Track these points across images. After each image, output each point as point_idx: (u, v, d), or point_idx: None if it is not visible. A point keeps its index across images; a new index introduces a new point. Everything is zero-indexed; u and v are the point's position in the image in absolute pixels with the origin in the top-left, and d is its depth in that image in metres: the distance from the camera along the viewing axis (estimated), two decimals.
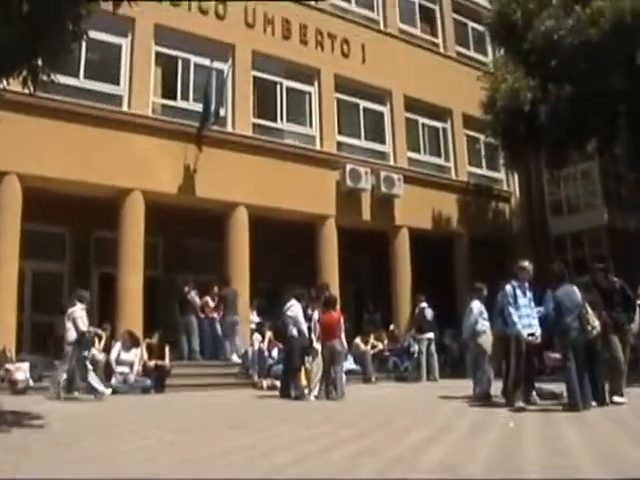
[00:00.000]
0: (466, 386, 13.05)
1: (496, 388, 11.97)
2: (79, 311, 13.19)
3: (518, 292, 10.88)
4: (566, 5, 18.03)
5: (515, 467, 6.05)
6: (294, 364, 13.57)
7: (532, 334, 10.73)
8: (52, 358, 14.59)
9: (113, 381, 14.62)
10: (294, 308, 13.62)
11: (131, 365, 15.11)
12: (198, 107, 18.37)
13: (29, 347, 16.53)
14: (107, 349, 15.42)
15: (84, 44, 10.62)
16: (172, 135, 18.03)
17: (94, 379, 13.34)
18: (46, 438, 7.97)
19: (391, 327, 21.14)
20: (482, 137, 24.01)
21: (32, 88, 8.57)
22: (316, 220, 20.73)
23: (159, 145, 17.83)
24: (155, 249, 19.25)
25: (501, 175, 26.54)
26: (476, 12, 25.52)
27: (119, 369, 14.93)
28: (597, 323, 10.74)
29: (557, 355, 12.10)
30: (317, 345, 13.47)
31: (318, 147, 21.36)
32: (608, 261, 15.19)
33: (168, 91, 19.09)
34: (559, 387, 11.23)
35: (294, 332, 13.47)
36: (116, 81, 18.05)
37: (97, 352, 14.90)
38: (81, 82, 17.27)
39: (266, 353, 16.79)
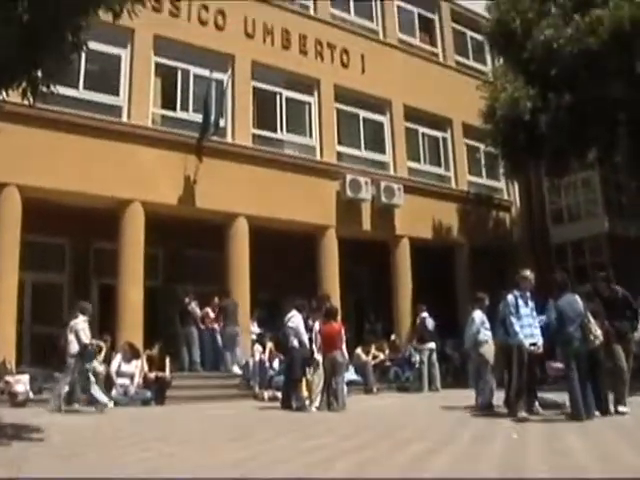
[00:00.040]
0: (468, 396, 12.99)
1: (498, 398, 11.92)
2: (81, 323, 13.13)
3: (520, 302, 10.85)
4: (565, 14, 18.05)
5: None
6: (295, 375, 13.51)
7: (534, 344, 10.70)
8: (53, 370, 14.53)
9: (113, 393, 14.55)
10: (295, 319, 13.57)
11: (131, 377, 15.05)
12: (198, 118, 18.38)
13: (29, 359, 16.49)
14: (107, 361, 15.37)
15: (84, 55, 10.58)
16: (172, 146, 18.02)
17: (97, 391, 13.32)
18: (46, 451, 7.93)
19: (392, 337, 21.08)
20: (482, 146, 23.99)
21: (32, 99, 8.56)
22: (316, 230, 20.70)
23: (159, 156, 17.82)
24: (155, 260, 19.23)
25: (501, 184, 26.51)
26: (475, 21, 25.50)
27: (119, 381, 14.87)
28: (599, 332, 10.70)
29: (559, 365, 12.09)
30: (318, 356, 13.42)
31: (318, 157, 21.35)
32: (608, 269, 15.11)
33: (168, 102, 19.10)
34: (561, 396, 11.18)
35: (295, 343, 13.41)
36: (116, 92, 18.05)
37: (97, 364, 14.82)
38: (81, 93, 17.27)
39: (267, 364, 16.72)
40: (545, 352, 11.15)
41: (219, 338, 18.10)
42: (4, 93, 8.79)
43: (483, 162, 25.58)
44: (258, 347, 17.21)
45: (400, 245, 22.41)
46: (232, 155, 19.06)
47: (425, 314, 18.70)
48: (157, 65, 18.80)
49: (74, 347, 12.98)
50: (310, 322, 13.81)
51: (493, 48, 22.26)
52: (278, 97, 21.01)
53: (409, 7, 25.34)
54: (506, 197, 26.72)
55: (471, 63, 26.77)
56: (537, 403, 11.33)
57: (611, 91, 17.12)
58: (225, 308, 18.04)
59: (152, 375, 15.13)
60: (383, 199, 21.39)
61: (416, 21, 25.60)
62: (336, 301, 17.62)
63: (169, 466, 6.86)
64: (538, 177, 26.07)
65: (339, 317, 14.37)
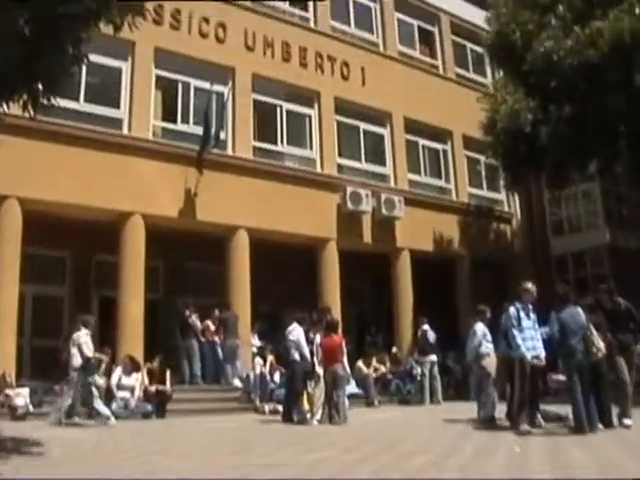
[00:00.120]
0: (470, 409, 12.92)
1: (500, 411, 11.85)
2: (84, 336, 13.09)
3: (522, 314, 10.80)
4: (565, 26, 18.06)
5: None
6: (296, 388, 13.45)
7: (536, 356, 10.65)
8: (53, 383, 14.49)
9: (114, 406, 14.43)
10: (296, 332, 13.52)
11: (132, 390, 14.96)
12: (198, 130, 18.38)
13: (29, 372, 16.43)
14: (108, 373, 15.31)
15: (84, 68, 10.62)
16: (172, 158, 18.03)
17: (100, 404, 13.28)
18: (46, 465, 7.87)
19: (393, 350, 21.01)
20: (482, 158, 24.06)
21: (32, 112, 8.55)
22: (317, 243, 20.67)
23: (159, 168, 17.82)
24: (156, 272, 19.19)
25: (502, 196, 26.51)
26: (475, 34, 25.54)
27: (120, 394, 14.78)
28: (602, 345, 10.66)
29: (561, 377, 12.04)
30: (319, 369, 13.37)
31: (318, 170, 21.35)
32: (609, 281, 15.10)
33: (168, 114, 19.13)
34: (564, 409, 11.13)
35: (296, 356, 13.35)
36: (116, 104, 18.08)
37: (98, 377, 14.76)
38: (81, 106, 17.30)
39: (268, 377, 16.66)
40: (547, 364, 11.10)
41: (220, 351, 18.04)
42: (5, 106, 8.80)
43: (484, 174, 25.64)
44: (259, 360, 17.17)
45: (401, 257, 22.38)
46: (232, 168, 19.06)
47: (426, 326, 18.64)
48: (158, 78, 18.83)
49: (77, 360, 12.93)
50: (311, 335, 13.75)
51: (493, 60, 22.28)
52: (278, 109, 21.03)
53: (409, 19, 25.42)
54: (507, 209, 26.71)
55: (471, 75, 26.82)
56: (539, 416, 11.28)
57: (611, 103, 17.12)
58: (226, 321, 18.00)
59: (153, 388, 15.05)
60: (384, 211, 21.38)
61: (416, 33, 25.67)
62: (337, 314, 17.59)
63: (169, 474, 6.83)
64: (539, 189, 26.08)
65: (340, 330, 14.32)
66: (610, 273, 23.20)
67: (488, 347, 12.36)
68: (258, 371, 16.72)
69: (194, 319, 17.91)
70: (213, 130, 18.09)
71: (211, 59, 19.48)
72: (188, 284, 19.43)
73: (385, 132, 23.47)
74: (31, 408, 13.81)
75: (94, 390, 13.26)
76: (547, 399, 13.04)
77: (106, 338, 16.76)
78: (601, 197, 25.64)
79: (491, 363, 12.35)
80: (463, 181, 25.17)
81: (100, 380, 14.76)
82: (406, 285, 22.18)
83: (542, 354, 10.72)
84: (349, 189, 20.80)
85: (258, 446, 9.67)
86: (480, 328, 12.52)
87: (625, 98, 17.02)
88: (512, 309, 10.93)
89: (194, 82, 19.33)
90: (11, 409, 13.55)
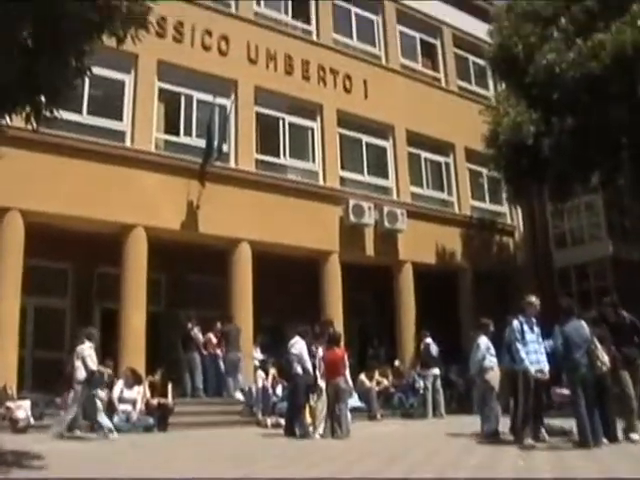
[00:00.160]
0: (473, 423, 12.85)
1: (504, 425, 11.80)
2: (88, 349, 13.06)
3: (525, 327, 10.75)
4: (567, 38, 18.08)
5: None
6: (299, 402, 13.39)
7: (540, 370, 10.59)
8: (55, 396, 14.44)
9: (115, 419, 14.36)
10: (298, 345, 13.46)
11: (133, 403, 14.88)
12: (201, 143, 18.41)
13: (30, 384, 16.35)
14: (109, 386, 15.24)
15: (87, 80, 10.58)
16: (175, 171, 18.02)
17: (104, 417, 13.24)
18: (46, 478, 7.82)
19: (396, 363, 20.93)
20: (485, 171, 24.07)
21: (35, 124, 8.56)
22: (319, 256, 20.64)
23: (162, 181, 17.81)
24: (158, 285, 19.16)
25: (504, 209, 26.51)
26: (477, 46, 25.57)
27: (121, 407, 14.70)
28: (606, 358, 10.62)
29: (565, 391, 11.96)
30: (322, 383, 13.32)
31: (321, 182, 21.35)
32: (612, 293, 15.08)
33: (171, 127, 19.14)
34: (568, 423, 11.07)
35: (298, 370, 13.30)
36: (119, 117, 18.11)
37: (100, 390, 14.71)
38: (84, 118, 17.31)
39: (270, 390, 16.59)
40: (551, 378, 11.05)
41: (222, 364, 17.98)
42: (7, 118, 8.80)
43: (486, 187, 25.66)
44: (261, 373, 17.07)
45: (403, 270, 22.34)
46: (235, 180, 19.06)
47: (429, 340, 18.59)
48: (160, 90, 18.87)
49: (81, 373, 12.90)
50: (313, 348, 13.72)
51: (495, 73, 22.27)
52: (281, 122, 21.05)
53: (411, 32, 25.48)
54: (509, 221, 26.70)
55: (473, 88, 26.86)
56: (543, 430, 11.22)
57: (614, 115, 17.12)
58: (228, 334, 17.94)
59: (154, 401, 14.98)
60: (386, 224, 21.35)
61: (418, 46, 25.74)
62: (339, 326, 17.53)
63: None
64: (541, 201, 26.06)
65: (342, 343, 14.26)
66: (613, 285, 23.17)
67: (492, 361, 12.30)
68: (260, 384, 16.63)
69: (196, 332, 17.84)
70: (216, 143, 18.12)
71: (214, 72, 19.51)
72: (190, 297, 19.38)
73: (387, 145, 23.48)
74: (32, 421, 13.72)
75: (98, 403, 13.22)
76: (551, 413, 12.96)
77: (108, 351, 16.67)
78: (604, 209, 25.63)
79: (494, 377, 12.29)
80: (465, 194, 25.17)
81: (102, 393, 14.72)
82: (409, 298, 22.13)
83: (546, 368, 10.66)
84: (351, 202, 20.78)
85: (260, 460, 9.62)
86: (484, 341, 12.46)
87: (627, 110, 17.01)
88: (516, 323, 10.88)
89: (197, 95, 19.35)
90: (12, 422, 13.47)
